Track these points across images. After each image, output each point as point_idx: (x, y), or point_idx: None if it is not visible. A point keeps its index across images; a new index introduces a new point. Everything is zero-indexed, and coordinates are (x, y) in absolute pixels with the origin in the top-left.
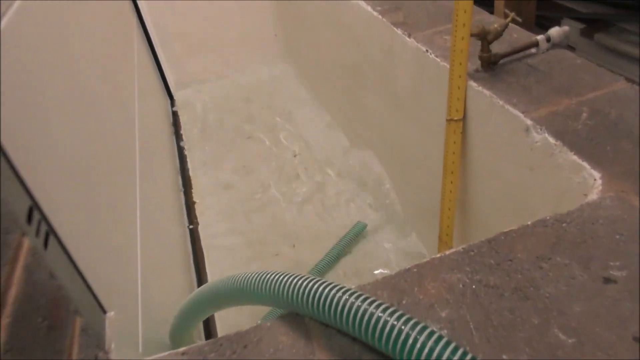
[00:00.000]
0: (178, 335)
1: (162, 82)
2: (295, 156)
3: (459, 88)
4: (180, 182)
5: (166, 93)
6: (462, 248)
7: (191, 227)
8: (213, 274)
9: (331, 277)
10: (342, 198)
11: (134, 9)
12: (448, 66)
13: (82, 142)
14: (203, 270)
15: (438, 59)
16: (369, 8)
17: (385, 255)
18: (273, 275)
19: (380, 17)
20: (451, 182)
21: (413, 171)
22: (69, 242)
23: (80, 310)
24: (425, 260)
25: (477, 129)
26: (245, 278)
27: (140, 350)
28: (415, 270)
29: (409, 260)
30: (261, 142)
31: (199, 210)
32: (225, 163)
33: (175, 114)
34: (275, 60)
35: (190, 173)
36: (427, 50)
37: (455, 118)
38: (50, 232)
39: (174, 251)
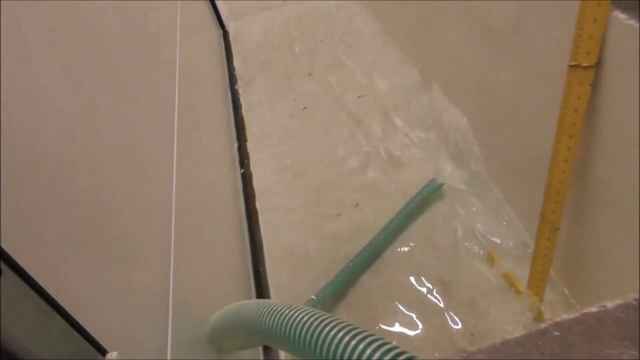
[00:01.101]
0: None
1: (214, 12)
2: (359, 97)
3: (595, 21)
4: (232, 125)
5: (218, 24)
6: None
7: (242, 171)
8: (268, 237)
9: (400, 245)
10: (414, 150)
11: None
12: None
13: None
14: (257, 230)
15: None
16: None
17: (465, 220)
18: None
19: None
20: (568, 149)
21: (505, 122)
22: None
23: None
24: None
25: (617, 81)
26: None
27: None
28: None
29: (493, 227)
30: (323, 80)
31: (253, 161)
32: (282, 104)
33: (227, 47)
34: None
35: (244, 114)
36: None
37: (584, 64)
38: None
39: (222, 209)
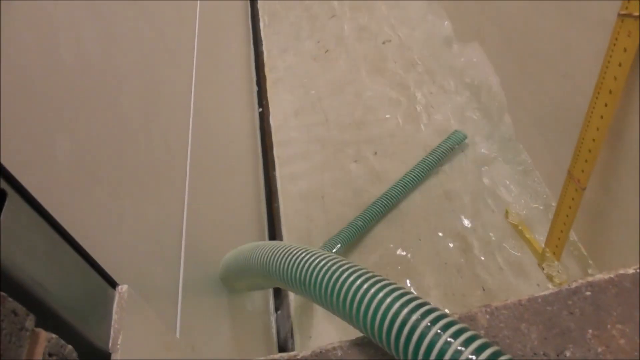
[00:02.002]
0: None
1: None
2: (384, 43)
3: None
4: (252, 63)
5: None
6: None
7: (260, 110)
8: (283, 181)
9: (419, 196)
10: (438, 100)
11: None
12: None
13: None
14: (272, 174)
15: None
16: None
17: (487, 176)
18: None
19: None
20: (606, 105)
21: (538, 75)
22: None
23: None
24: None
25: None
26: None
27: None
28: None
29: (516, 185)
30: (347, 22)
31: (271, 99)
32: (305, 45)
33: None
34: None
35: (265, 53)
36: None
37: (635, 13)
38: None
39: (238, 145)
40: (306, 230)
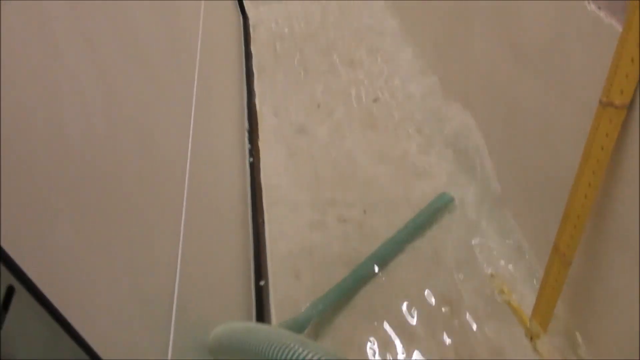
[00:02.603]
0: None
1: None
2: (375, 101)
3: (632, 61)
4: (245, 114)
5: (239, 9)
6: None
7: (251, 160)
8: (272, 237)
9: (406, 258)
10: (427, 160)
11: None
12: (619, 27)
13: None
14: (262, 228)
15: (600, 13)
16: None
17: (473, 239)
18: None
19: None
20: (589, 185)
21: (524, 145)
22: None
23: None
24: None
25: None
26: None
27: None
28: None
29: (502, 249)
30: (340, 77)
31: (262, 150)
32: (298, 99)
33: (247, 34)
34: None
35: (257, 105)
36: None
37: (617, 103)
38: None
39: (229, 200)
40: (293, 289)
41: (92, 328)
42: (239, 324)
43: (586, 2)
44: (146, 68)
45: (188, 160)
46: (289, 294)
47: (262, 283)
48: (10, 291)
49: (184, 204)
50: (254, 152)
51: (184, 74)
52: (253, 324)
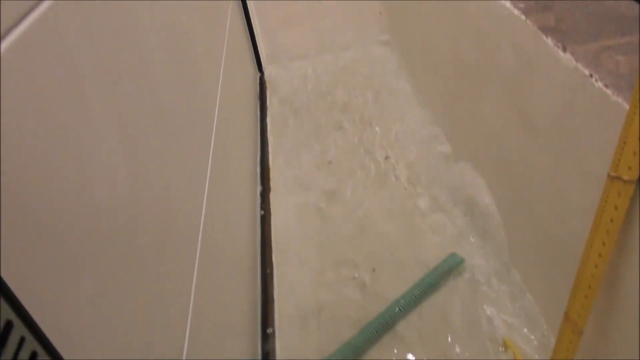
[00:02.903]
0: None
1: (254, 53)
2: (386, 159)
3: None
4: (257, 167)
5: (256, 65)
6: None
7: (262, 213)
8: (280, 293)
9: (414, 318)
10: (437, 220)
11: None
12: (626, 105)
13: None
14: (270, 282)
15: (607, 90)
16: (508, 3)
17: (483, 302)
18: None
19: (522, 17)
20: (599, 255)
21: (534, 210)
22: None
23: None
24: None
25: None
26: None
27: None
28: None
29: (512, 313)
30: (351, 135)
31: (273, 203)
32: (309, 154)
33: (262, 89)
34: (377, 41)
35: (270, 160)
36: (590, 75)
37: (625, 178)
38: None
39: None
40: (301, 348)
41: None
42: None
43: (593, 79)
44: (166, 128)
45: (202, 214)
46: (295, 353)
47: (269, 332)
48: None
49: (197, 258)
50: (265, 205)
51: (202, 130)
52: None
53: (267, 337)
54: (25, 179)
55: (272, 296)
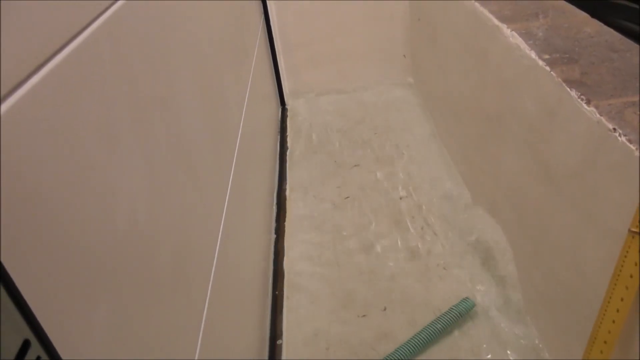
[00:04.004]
0: None
1: (277, 88)
2: (402, 199)
3: None
4: (274, 202)
5: (279, 100)
6: None
7: (276, 245)
8: (289, 325)
9: None
10: (451, 263)
11: (263, 11)
12: None
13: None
14: (279, 314)
15: (631, 146)
16: (533, 54)
17: (494, 349)
18: None
19: (547, 68)
20: (617, 311)
21: (549, 260)
22: None
23: None
24: None
25: None
26: None
27: None
28: None
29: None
30: (369, 173)
31: (287, 238)
32: (327, 189)
33: (284, 124)
34: (400, 83)
35: (287, 193)
36: (614, 129)
37: None
38: None
39: (252, 283)
40: None
41: None
42: None
43: (616, 134)
44: (187, 157)
45: (218, 244)
46: None
47: None
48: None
49: (209, 291)
50: (279, 238)
51: (222, 160)
52: None
53: None
54: (49, 200)
55: (281, 331)
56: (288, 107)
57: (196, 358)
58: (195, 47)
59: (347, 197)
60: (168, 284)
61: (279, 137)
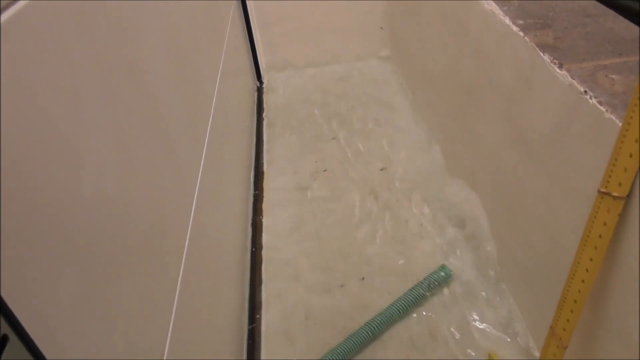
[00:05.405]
0: None
1: (254, 63)
2: (381, 170)
3: (631, 156)
4: (251, 175)
5: (255, 75)
6: None
7: (254, 220)
8: (268, 298)
9: (401, 328)
10: (429, 233)
11: None
12: (619, 122)
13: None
14: (258, 287)
15: (602, 107)
16: (507, 20)
17: (470, 315)
18: None
19: (520, 33)
20: (587, 270)
21: (524, 227)
22: None
23: None
24: None
25: None
26: None
27: None
28: None
29: (498, 327)
30: (347, 146)
31: (266, 210)
32: (305, 163)
33: (261, 99)
34: (377, 56)
35: (265, 168)
36: (585, 92)
37: (615, 194)
38: None
39: (229, 255)
40: (285, 353)
41: None
42: None
43: (587, 96)
44: (159, 127)
45: (191, 217)
46: (281, 355)
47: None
48: (4, 340)
49: (183, 260)
50: (258, 212)
51: (195, 132)
52: None
53: (253, 340)
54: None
55: (260, 302)
56: (265, 81)
57: (170, 330)
58: (166, 9)
59: (326, 170)
60: (141, 253)
61: (255, 111)
